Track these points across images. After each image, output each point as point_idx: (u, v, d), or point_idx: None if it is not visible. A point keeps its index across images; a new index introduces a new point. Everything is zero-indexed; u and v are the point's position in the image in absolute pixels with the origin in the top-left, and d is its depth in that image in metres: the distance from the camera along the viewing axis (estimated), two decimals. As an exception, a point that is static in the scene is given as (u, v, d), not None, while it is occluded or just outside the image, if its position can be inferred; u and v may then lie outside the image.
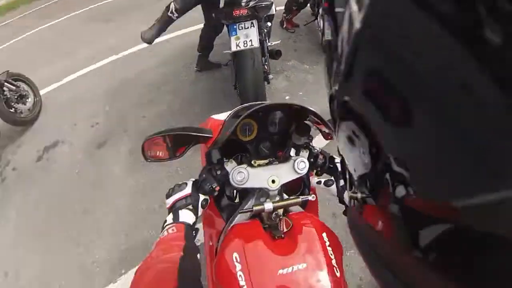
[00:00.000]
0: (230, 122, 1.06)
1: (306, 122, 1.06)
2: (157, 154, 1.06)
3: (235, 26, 2.63)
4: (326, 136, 1.08)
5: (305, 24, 4.57)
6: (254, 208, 0.92)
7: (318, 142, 1.25)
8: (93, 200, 2.57)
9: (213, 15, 2.80)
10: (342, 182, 1.11)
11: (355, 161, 0.32)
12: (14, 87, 3.45)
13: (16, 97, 3.47)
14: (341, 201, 1.10)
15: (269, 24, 3.00)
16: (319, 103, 3.20)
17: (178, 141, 1.06)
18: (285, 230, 0.90)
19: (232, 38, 2.63)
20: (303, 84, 3.46)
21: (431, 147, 0.20)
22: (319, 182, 1.14)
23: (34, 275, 2.21)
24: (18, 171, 3.00)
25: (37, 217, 2.55)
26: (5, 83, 3.33)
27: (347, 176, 0.37)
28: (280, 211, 0.97)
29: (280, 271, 0.75)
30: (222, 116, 1.19)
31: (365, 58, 0.25)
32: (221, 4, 2.62)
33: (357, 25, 0.24)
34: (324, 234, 0.85)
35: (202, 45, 3.50)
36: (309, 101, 3.29)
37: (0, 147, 3.33)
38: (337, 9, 0.33)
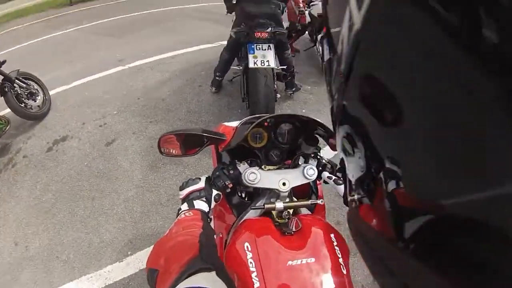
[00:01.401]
0: (242, 128, 1.09)
1: (314, 134, 1.12)
2: (171, 151, 1.12)
3: (253, 46, 2.97)
4: (334, 147, 1.08)
5: (305, 50, 5.06)
6: (266, 205, 0.97)
7: (326, 153, 1.32)
8: (102, 189, 2.75)
9: (232, 34, 3.10)
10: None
11: (352, 166, 0.34)
12: (24, 85, 3.68)
13: (26, 93, 3.70)
14: (346, 202, 1.15)
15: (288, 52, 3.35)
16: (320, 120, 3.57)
17: (191, 142, 1.12)
18: (294, 229, 0.91)
19: (250, 56, 2.95)
20: (305, 103, 3.81)
21: (426, 146, 0.21)
22: (330, 177, 1.15)
23: (42, 246, 2.36)
24: (28, 158, 3.16)
25: (47, 199, 2.71)
26: (16, 80, 3.55)
27: (347, 182, 0.39)
28: (290, 211, 1.00)
29: (290, 262, 0.78)
30: (233, 124, 1.22)
31: (363, 58, 0.25)
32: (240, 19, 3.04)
33: (356, 26, 0.24)
34: (332, 235, 0.87)
35: (221, 68, 3.72)
36: None
37: (11, 135, 3.48)
38: (333, 30, 0.35)
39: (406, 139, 0.24)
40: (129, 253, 2.25)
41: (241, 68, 3.45)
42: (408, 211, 0.25)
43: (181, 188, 1.04)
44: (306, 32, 5.39)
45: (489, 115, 0.16)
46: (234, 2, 3.31)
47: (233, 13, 3.55)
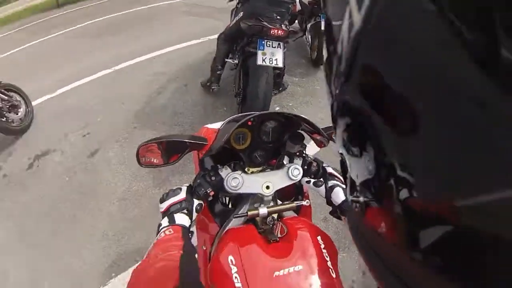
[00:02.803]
0: (224, 130, 1.05)
1: (299, 130, 1.08)
2: (152, 160, 1.06)
3: (263, 42, 2.81)
4: (320, 144, 1.09)
5: (294, 39, 4.83)
6: (249, 212, 0.93)
7: (310, 148, 1.30)
8: (84, 206, 2.61)
9: (241, 24, 2.92)
10: (330, 184, 1.12)
11: (358, 168, 0.32)
12: (6, 97, 3.51)
13: (8, 106, 3.52)
14: (329, 202, 1.11)
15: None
16: (308, 113, 3.39)
17: (172, 149, 1.07)
18: (279, 235, 0.90)
19: (259, 52, 2.79)
20: (292, 96, 3.65)
21: (435, 150, 0.20)
22: (308, 182, 1.14)
23: (22, 275, 2.22)
24: (8, 177, 3.03)
25: (26, 222, 2.57)
26: (-2, 93, 3.38)
27: (348, 181, 0.36)
28: (275, 216, 0.97)
29: (276, 273, 0.75)
30: (216, 126, 1.19)
31: (364, 57, 0.25)
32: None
33: (357, 24, 0.23)
34: (319, 237, 0.85)
35: (221, 60, 3.52)
36: (299, 112, 3.44)
37: (-10, 153, 3.35)
38: (334, 24, 0.32)
39: (414, 145, 0.22)
40: (113, 274, 2.10)
41: (236, 61, 3.31)
42: (425, 218, 0.22)
43: (162, 200, 0.98)
44: (296, 21, 5.18)
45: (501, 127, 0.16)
46: None
47: (234, 2, 3.43)
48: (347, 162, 0.34)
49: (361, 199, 0.32)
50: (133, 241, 2.29)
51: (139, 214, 2.46)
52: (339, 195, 1.06)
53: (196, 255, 0.84)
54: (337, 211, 1.04)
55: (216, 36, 3.44)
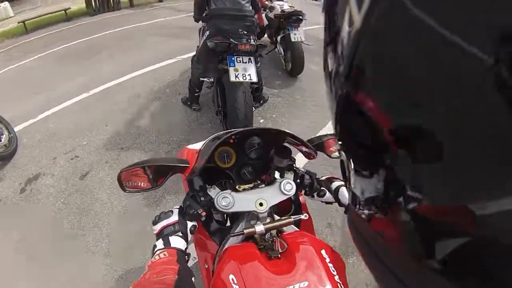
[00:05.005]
0: (205, 150, 1.03)
1: (285, 144, 1.06)
2: (139, 184, 1.04)
3: (233, 58, 2.90)
4: (308, 155, 1.08)
5: (267, 53, 5.15)
6: (245, 231, 0.90)
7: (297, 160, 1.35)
8: (83, 226, 2.73)
9: (208, 43, 2.98)
10: (334, 187, 1.12)
11: (361, 184, 0.31)
12: (-15, 125, 3.57)
13: (-12, 134, 3.59)
14: (340, 204, 1.10)
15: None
16: (293, 123, 3.73)
17: (157, 172, 1.05)
18: (280, 250, 0.86)
19: (231, 69, 2.87)
20: (274, 107, 3.92)
21: (452, 159, 0.19)
22: (312, 197, 1.14)
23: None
24: (3, 201, 3.10)
25: (28, 245, 2.66)
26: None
27: (350, 191, 0.36)
28: (274, 232, 0.95)
29: None
30: (197, 146, 1.16)
31: (365, 57, 0.24)
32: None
33: (357, 24, 0.23)
34: (323, 251, 0.82)
35: (196, 82, 3.63)
36: (282, 122, 3.79)
37: (-20, 181, 3.39)
38: (334, 23, 0.31)
39: (422, 160, 0.22)
40: (122, 288, 2.25)
41: (211, 79, 3.41)
42: (440, 228, 0.22)
43: (154, 223, 0.98)
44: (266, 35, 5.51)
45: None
46: (205, 15, 3.26)
47: (201, 22, 3.50)
48: (351, 179, 0.33)
49: (366, 211, 0.31)
50: (137, 257, 2.40)
51: (140, 231, 2.58)
52: (345, 195, 1.07)
53: (193, 279, 0.82)
54: None
55: (189, 54, 3.57)
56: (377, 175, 0.27)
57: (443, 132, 0.19)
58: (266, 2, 5.23)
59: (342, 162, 0.37)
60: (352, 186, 0.33)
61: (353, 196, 0.34)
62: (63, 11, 10.31)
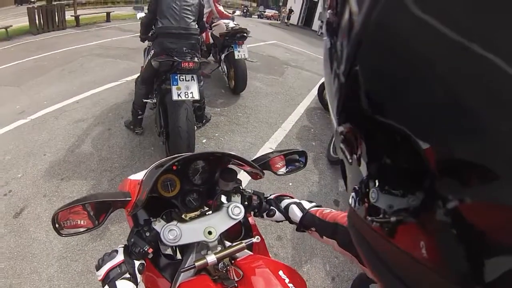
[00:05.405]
0: (147, 180, 0.96)
1: (230, 166, 1.04)
2: (79, 223, 0.90)
3: (176, 77, 2.89)
4: (255, 176, 1.06)
5: (211, 71, 5.16)
6: (196, 264, 0.86)
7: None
8: (19, 273, 2.46)
9: (153, 63, 2.98)
10: (283, 205, 1.09)
11: (391, 200, 0.27)
12: None
13: None
14: (290, 221, 1.08)
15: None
16: (236, 141, 3.72)
17: (97, 209, 0.93)
18: (236, 279, 0.83)
19: (174, 88, 2.86)
20: (217, 126, 3.88)
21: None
22: (262, 217, 1.11)
23: None
24: None
25: None
26: None
27: (361, 199, 0.33)
28: (227, 260, 0.92)
29: None
30: (139, 176, 1.07)
31: (365, 57, 0.24)
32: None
33: (357, 24, 0.23)
34: (280, 272, 0.80)
35: (140, 103, 3.55)
36: (226, 141, 3.75)
37: None
38: (334, 24, 0.31)
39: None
40: None
41: (154, 101, 3.37)
42: (490, 246, 0.19)
43: (98, 267, 0.86)
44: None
45: None
46: (151, 34, 3.24)
47: (146, 42, 3.48)
48: (372, 194, 0.30)
49: (388, 226, 0.27)
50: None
51: (84, 270, 2.42)
52: (296, 212, 1.05)
53: None
54: (301, 226, 1.03)
55: (134, 76, 3.54)
56: (413, 195, 0.25)
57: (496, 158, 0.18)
58: (214, 21, 5.24)
59: (342, 162, 0.35)
60: (372, 199, 0.30)
61: (368, 206, 0.31)
62: (3, 29, 9.72)
